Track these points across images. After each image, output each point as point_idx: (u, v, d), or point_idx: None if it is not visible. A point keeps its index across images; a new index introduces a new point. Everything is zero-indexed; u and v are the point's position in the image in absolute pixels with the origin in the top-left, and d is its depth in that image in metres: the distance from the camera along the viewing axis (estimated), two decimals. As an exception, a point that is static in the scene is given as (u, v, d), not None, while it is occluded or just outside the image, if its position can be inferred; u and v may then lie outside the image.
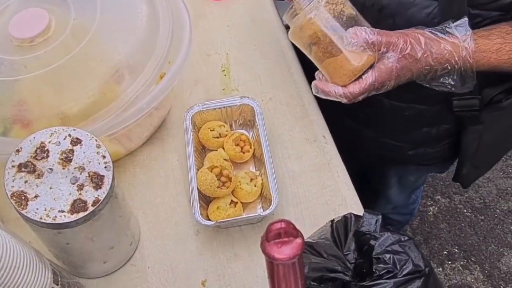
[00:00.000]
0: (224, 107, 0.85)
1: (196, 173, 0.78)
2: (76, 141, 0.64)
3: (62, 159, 0.63)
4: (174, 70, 0.79)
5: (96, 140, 0.65)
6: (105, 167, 0.63)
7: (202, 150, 0.85)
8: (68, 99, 0.76)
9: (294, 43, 0.76)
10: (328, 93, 0.74)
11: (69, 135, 0.65)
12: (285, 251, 0.37)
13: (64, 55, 0.75)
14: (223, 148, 0.83)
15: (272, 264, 0.38)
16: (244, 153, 0.82)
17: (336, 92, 0.73)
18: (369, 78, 0.71)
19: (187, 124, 0.83)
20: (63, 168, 0.62)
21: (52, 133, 0.64)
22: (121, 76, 0.78)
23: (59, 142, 0.64)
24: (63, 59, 0.75)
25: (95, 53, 0.77)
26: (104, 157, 0.64)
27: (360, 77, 0.71)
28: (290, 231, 0.37)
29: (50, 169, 0.62)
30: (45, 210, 0.60)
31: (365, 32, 0.69)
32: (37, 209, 0.60)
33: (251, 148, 0.83)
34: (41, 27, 0.76)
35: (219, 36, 1.02)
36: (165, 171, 0.85)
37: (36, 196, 0.60)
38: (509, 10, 0.74)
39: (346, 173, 0.83)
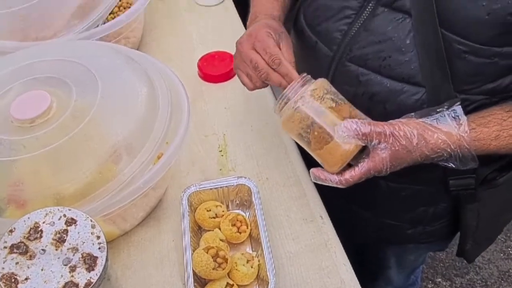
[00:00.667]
0: (220, 187, 0.85)
1: (192, 254, 0.76)
2: (71, 222, 0.63)
3: (55, 239, 0.62)
4: (171, 151, 0.79)
5: (91, 221, 0.64)
6: (99, 248, 0.62)
7: (198, 230, 0.84)
8: (65, 179, 0.76)
9: (287, 132, 0.77)
10: (324, 180, 0.75)
11: (64, 215, 0.64)
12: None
13: (63, 135, 0.76)
14: (220, 229, 0.82)
15: None
16: (240, 233, 0.81)
17: (332, 180, 0.74)
18: (364, 166, 0.72)
19: (183, 205, 0.82)
20: (56, 249, 0.61)
21: (47, 213, 0.64)
22: (119, 157, 0.79)
23: (54, 222, 0.63)
24: (62, 140, 0.75)
25: (94, 134, 0.77)
26: (98, 237, 0.62)
27: (355, 165, 0.72)
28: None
29: (42, 250, 0.61)
30: (35, 293, 0.58)
31: (356, 124, 0.70)
32: (27, 292, 0.58)
33: (247, 228, 0.82)
34: (42, 108, 0.77)
35: (216, 117, 1.04)
36: (160, 252, 0.83)
37: (26, 279, 0.59)
38: (494, 94, 0.76)
39: (344, 253, 0.81)
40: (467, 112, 0.76)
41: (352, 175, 0.72)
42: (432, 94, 0.76)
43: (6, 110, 0.77)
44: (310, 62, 0.88)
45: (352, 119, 0.71)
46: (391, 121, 0.72)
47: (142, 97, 0.82)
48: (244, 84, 0.82)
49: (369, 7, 0.78)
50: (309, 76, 0.76)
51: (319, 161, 0.75)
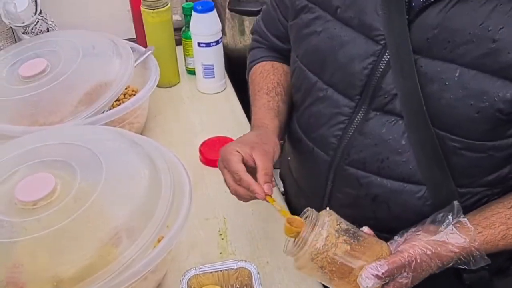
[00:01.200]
0: (220, 270, 0.84)
1: None
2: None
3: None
4: (172, 234, 0.79)
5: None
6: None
7: (198, 316, 0.82)
8: (65, 262, 0.75)
9: (302, 272, 0.76)
10: None
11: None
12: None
13: (65, 218, 0.76)
14: (219, 314, 0.80)
15: None
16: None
17: None
18: None
19: (183, 289, 0.81)
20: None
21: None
22: (119, 239, 0.78)
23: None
24: (63, 222, 0.75)
25: (96, 217, 0.77)
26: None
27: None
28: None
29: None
30: None
31: (375, 269, 0.69)
32: None
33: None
34: (46, 190, 0.78)
35: (217, 200, 1.05)
36: None
37: None
38: (495, 185, 0.77)
39: None
40: (470, 205, 0.77)
41: None
42: (434, 191, 0.77)
43: (10, 193, 0.78)
44: (309, 168, 0.91)
45: (369, 266, 0.70)
46: (403, 247, 0.72)
47: (145, 180, 0.83)
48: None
49: (361, 112, 0.79)
50: (314, 212, 0.74)
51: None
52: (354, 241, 0.72)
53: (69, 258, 0.76)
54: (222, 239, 0.97)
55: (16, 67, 1.12)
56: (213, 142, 1.17)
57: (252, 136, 0.87)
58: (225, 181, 0.83)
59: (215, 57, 1.32)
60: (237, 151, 0.80)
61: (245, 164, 0.80)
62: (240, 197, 0.82)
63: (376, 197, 0.82)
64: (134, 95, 1.26)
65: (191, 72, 1.43)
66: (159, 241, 0.80)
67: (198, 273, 0.84)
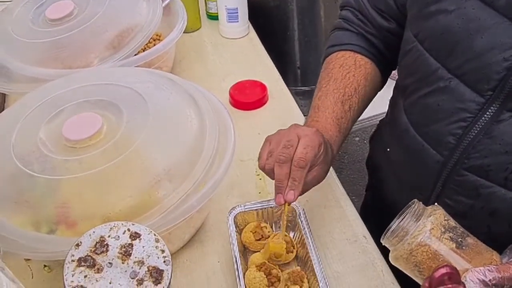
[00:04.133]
0: (265, 207, 0.85)
1: (243, 273, 0.76)
2: (135, 236, 0.64)
3: (121, 253, 0.62)
4: (217, 177, 0.79)
5: (155, 235, 0.64)
6: (164, 262, 0.62)
7: (244, 251, 0.84)
8: (111, 203, 0.75)
9: (396, 265, 0.70)
10: None
11: (128, 230, 0.64)
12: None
13: (110, 160, 0.75)
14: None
15: None
16: (287, 253, 0.81)
17: None
18: None
19: (230, 225, 0.83)
20: (123, 263, 0.61)
21: (111, 228, 0.64)
22: (162, 184, 0.78)
23: (118, 236, 0.63)
24: (108, 164, 0.75)
25: (139, 160, 0.77)
26: (163, 251, 0.63)
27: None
28: (455, 277, 0.36)
29: (109, 263, 0.61)
30: (105, 306, 0.57)
31: (482, 274, 0.60)
32: (97, 305, 0.57)
33: (294, 249, 0.82)
34: (94, 130, 0.78)
35: (251, 142, 1.05)
36: (206, 274, 0.83)
37: (95, 292, 0.58)
38: None
39: (391, 273, 0.81)
40: None
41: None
42: None
43: (58, 131, 0.78)
44: (415, 168, 0.82)
45: (476, 269, 0.61)
46: None
47: (191, 122, 0.83)
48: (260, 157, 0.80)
49: (490, 110, 0.69)
50: (420, 204, 0.68)
51: None
52: (461, 242, 0.65)
53: (114, 199, 0.76)
54: (260, 179, 0.98)
55: (43, 9, 1.09)
56: (243, 85, 1.17)
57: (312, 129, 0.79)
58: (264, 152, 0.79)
59: (239, 1, 1.30)
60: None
61: None
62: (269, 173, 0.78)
63: (496, 211, 0.73)
64: (159, 39, 1.25)
65: (212, 17, 1.41)
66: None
67: (243, 210, 0.85)
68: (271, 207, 0.86)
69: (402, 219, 0.67)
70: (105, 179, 0.75)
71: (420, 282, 0.66)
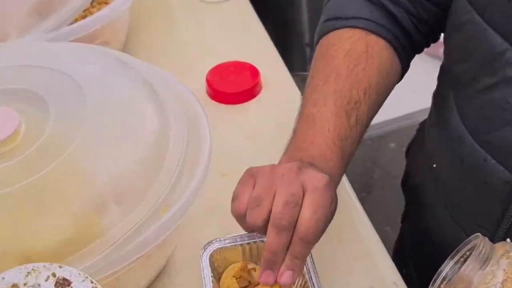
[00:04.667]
0: (254, 242, 0.85)
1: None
2: (63, 283, 0.63)
3: (43, 308, 0.61)
4: (185, 200, 0.79)
5: (92, 282, 0.64)
6: (106, 320, 0.61)
7: (224, 305, 0.84)
8: (32, 235, 0.75)
9: None
10: None
11: (53, 275, 0.64)
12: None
13: (31, 173, 0.75)
14: (256, 302, 0.81)
15: None
16: None
17: None
18: None
19: (204, 267, 0.82)
20: (46, 322, 0.60)
21: (29, 272, 0.63)
22: (107, 208, 0.79)
23: (39, 284, 0.63)
24: (28, 179, 0.75)
25: (74, 174, 0.77)
26: (104, 305, 0.62)
27: None
28: None
29: (26, 323, 0.60)
30: None
31: None
32: None
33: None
34: (6, 132, 0.77)
35: (236, 150, 1.05)
36: (170, 337, 0.82)
37: None
38: None
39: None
40: None
41: None
42: None
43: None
44: (474, 190, 0.83)
45: None
46: None
47: (147, 120, 0.84)
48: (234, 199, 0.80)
49: None
50: (486, 241, 0.66)
51: None
52: None
53: (36, 229, 0.76)
54: (249, 201, 0.97)
55: None
56: (225, 69, 1.17)
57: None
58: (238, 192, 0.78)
59: None
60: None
61: None
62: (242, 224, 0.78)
63: None
64: (105, 2, 1.25)
65: (184, -29, 1.42)
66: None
67: (223, 246, 0.85)
68: (262, 241, 0.85)
69: (460, 262, 0.65)
70: (22, 202, 0.74)
71: None
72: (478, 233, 0.66)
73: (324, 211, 0.72)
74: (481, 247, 0.65)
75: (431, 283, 0.67)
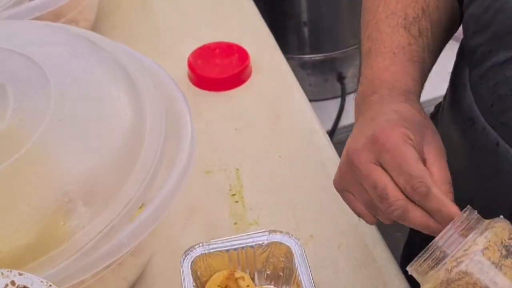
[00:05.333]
0: (242, 247, 0.86)
1: None
2: (24, 292, 0.64)
3: (1, 321, 0.62)
4: (161, 198, 0.80)
5: (57, 291, 0.65)
6: (72, 334, 0.62)
7: (208, 318, 0.85)
8: None
9: None
10: None
11: (12, 283, 0.64)
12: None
13: None
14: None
15: None
16: None
17: None
18: None
19: (185, 276, 0.83)
20: (3, 337, 0.62)
21: (-15, 280, 0.64)
22: (74, 208, 0.79)
23: (-4, 293, 0.64)
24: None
25: (35, 171, 0.78)
26: (70, 317, 0.63)
27: None
28: None
29: (-19, 338, 0.61)
30: None
31: None
32: None
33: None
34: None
35: (223, 143, 1.07)
36: None
37: None
38: None
39: None
40: None
41: None
42: None
43: None
44: (486, 178, 0.85)
45: None
46: None
47: (119, 109, 0.84)
48: (360, 216, 0.78)
49: None
50: (475, 213, 0.69)
51: None
52: None
53: None
54: (236, 201, 0.99)
55: None
56: (210, 51, 1.18)
57: (412, 111, 0.78)
58: (374, 186, 0.72)
59: None
60: (410, 139, 0.73)
61: None
62: (401, 220, 0.74)
63: None
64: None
65: None
66: (140, 208, 0.81)
67: (206, 252, 0.85)
68: (251, 246, 0.86)
69: (445, 235, 0.68)
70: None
71: None
72: (469, 205, 0.69)
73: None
74: (465, 215, 0.68)
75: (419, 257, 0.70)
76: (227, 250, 0.86)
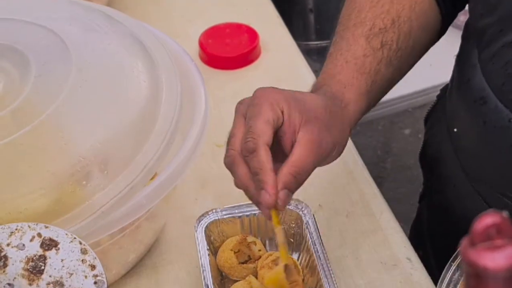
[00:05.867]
0: (254, 214, 0.89)
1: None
2: (50, 244, 0.67)
3: (28, 269, 0.65)
4: (175, 166, 0.82)
5: (81, 243, 0.67)
6: (95, 283, 0.65)
7: (221, 282, 0.87)
8: (6, 200, 0.76)
9: None
10: None
11: (39, 235, 0.67)
12: (500, 258, 0.38)
13: (5, 136, 0.77)
14: (256, 277, 0.85)
15: (478, 278, 0.39)
16: (290, 284, 0.84)
17: None
18: None
19: (199, 241, 0.85)
20: (30, 284, 0.64)
21: (12, 232, 0.67)
22: (93, 172, 0.81)
23: (24, 245, 0.66)
24: (1, 142, 0.77)
25: (53, 137, 0.80)
26: (93, 267, 0.66)
27: None
28: (507, 228, 0.38)
29: (9, 284, 0.64)
30: None
31: None
32: None
33: (299, 276, 0.85)
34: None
35: (232, 119, 1.08)
36: (162, 316, 0.86)
37: (-12, 326, 0.61)
38: None
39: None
40: None
41: None
42: None
43: None
44: (498, 157, 0.85)
45: None
46: None
47: (139, 80, 0.86)
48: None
49: None
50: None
51: None
52: None
53: (14, 192, 0.77)
54: (247, 173, 1.01)
55: None
56: (221, 31, 1.21)
57: (316, 100, 0.79)
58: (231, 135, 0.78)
59: None
60: (278, 106, 0.76)
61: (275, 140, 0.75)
62: (234, 173, 0.78)
63: None
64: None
65: None
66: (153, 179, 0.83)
67: (220, 218, 0.88)
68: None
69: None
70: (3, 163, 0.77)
71: None
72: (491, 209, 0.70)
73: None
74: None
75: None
76: (240, 217, 0.89)
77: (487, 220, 0.40)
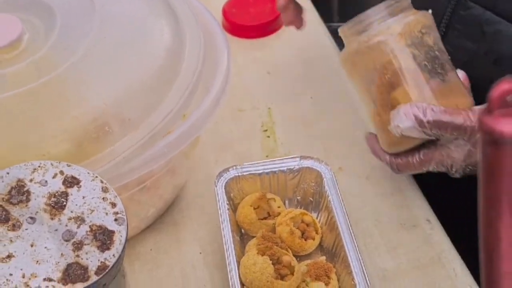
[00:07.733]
0: (274, 171, 0.89)
1: (237, 264, 0.79)
2: (72, 181, 0.67)
3: (50, 204, 0.65)
4: (199, 113, 0.82)
5: (102, 181, 0.67)
6: (116, 220, 0.65)
7: (240, 238, 0.87)
8: (29, 143, 0.77)
9: (344, 65, 0.85)
10: (375, 154, 0.86)
11: (61, 173, 0.67)
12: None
13: (28, 83, 0.78)
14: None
15: (495, 145, 0.41)
16: (306, 240, 0.84)
17: (382, 158, 0.85)
18: (427, 155, 0.80)
19: (219, 197, 0.86)
20: (52, 218, 0.64)
21: (35, 169, 0.67)
22: (117, 118, 0.81)
23: (46, 181, 0.66)
24: (24, 87, 0.77)
25: (81, 80, 0.81)
26: (113, 205, 0.66)
27: (417, 150, 0.81)
28: None
29: (31, 218, 0.64)
30: (23, 277, 0.61)
31: (421, 111, 0.75)
32: (11, 275, 0.61)
33: (317, 234, 0.85)
34: (7, 40, 0.81)
35: (256, 85, 1.09)
36: (181, 269, 0.87)
37: (9, 256, 0.62)
38: None
39: (468, 271, 0.84)
40: None
41: (408, 162, 0.82)
42: None
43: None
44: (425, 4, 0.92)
45: (417, 103, 0.76)
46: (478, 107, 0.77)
47: (162, 33, 0.87)
48: None
49: None
50: (408, 0, 0.81)
51: (375, 130, 0.85)
52: (431, 69, 0.78)
53: (36, 135, 0.77)
54: (268, 136, 1.02)
55: None
56: (243, 0, 1.22)
57: None
58: None
59: None
60: None
61: None
62: None
63: (501, 59, 0.86)
64: None
65: None
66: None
67: (240, 174, 0.88)
68: (282, 171, 0.89)
69: (377, 9, 0.80)
70: (23, 108, 0.78)
71: (364, 96, 0.84)
72: None
73: None
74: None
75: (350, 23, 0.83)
76: (259, 174, 0.89)
77: (504, 86, 0.40)
